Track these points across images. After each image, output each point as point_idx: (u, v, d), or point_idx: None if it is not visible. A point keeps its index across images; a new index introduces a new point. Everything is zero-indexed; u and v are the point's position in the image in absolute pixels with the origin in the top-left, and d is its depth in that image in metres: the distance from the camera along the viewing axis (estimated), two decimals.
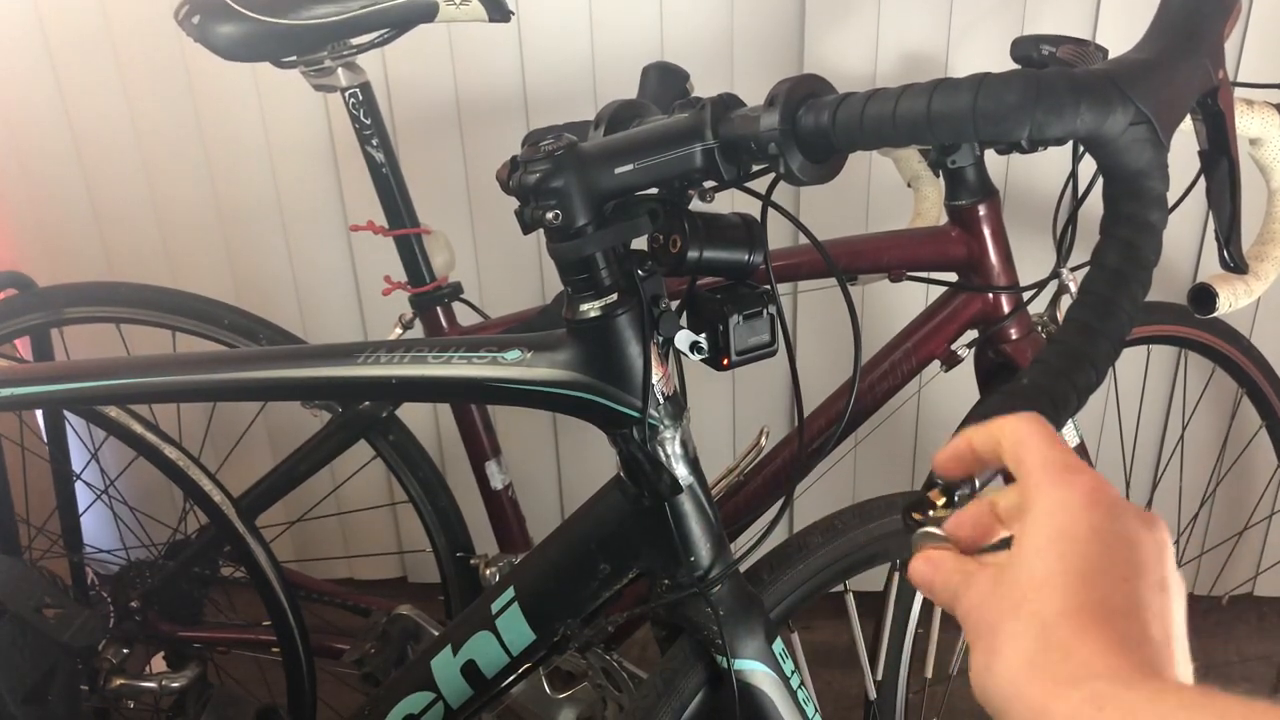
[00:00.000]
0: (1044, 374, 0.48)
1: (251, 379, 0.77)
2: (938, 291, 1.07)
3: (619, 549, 0.77)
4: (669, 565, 0.75)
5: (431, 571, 1.29)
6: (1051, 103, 0.46)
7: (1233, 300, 0.95)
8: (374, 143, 1.13)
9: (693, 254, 0.66)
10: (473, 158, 1.54)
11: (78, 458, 1.31)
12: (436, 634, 1.09)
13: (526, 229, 0.64)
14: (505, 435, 1.33)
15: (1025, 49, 0.97)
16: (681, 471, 0.72)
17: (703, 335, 0.70)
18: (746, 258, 0.68)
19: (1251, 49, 1.38)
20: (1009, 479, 0.40)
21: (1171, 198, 0.50)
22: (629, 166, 0.61)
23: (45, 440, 1.26)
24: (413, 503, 1.27)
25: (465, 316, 1.21)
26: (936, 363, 1.06)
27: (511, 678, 0.84)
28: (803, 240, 0.73)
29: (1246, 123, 0.94)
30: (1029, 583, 0.35)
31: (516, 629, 0.80)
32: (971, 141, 0.96)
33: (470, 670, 0.82)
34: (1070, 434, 1.07)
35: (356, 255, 1.62)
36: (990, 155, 1.02)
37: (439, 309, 1.17)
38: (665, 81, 0.88)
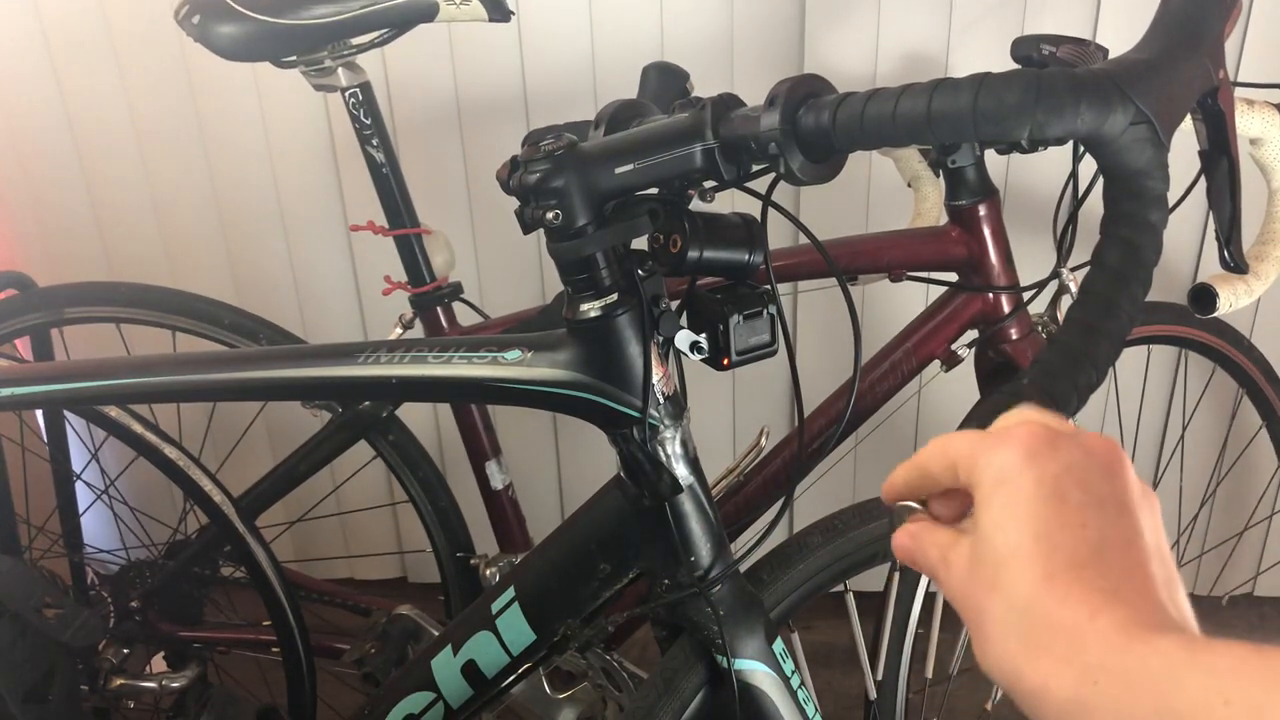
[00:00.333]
0: (1044, 374, 0.48)
1: (251, 379, 0.77)
2: (938, 291, 1.07)
3: (619, 549, 0.77)
4: (669, 565, 0.75)
5: (431, 571, 1.29)
6: (1052, 102, 0.46)
7: (1233, 300, 0.95)
8: (374, 143, 1.13)
9: (693, 254, 0.66)
10: (473, 158, 1.54)
11: (78, 458, 1.31)
12: (436, 634, 1.09)
13: (527, 229, 0.64)
14: (505, 435, 1.33)
15: (1025, 49, 0.97)
16: (681, 471, 0.72)
17: (703, 335, 0.70)
18: (747, 258, 0.68)
19: (1251, 49, 1.38)
20: None
21: (1172, 198, 0.50)
22: (629, 166, 0.61)
23: (45, 440, 1.26)
24: (413, 503, 1.27)
25: (465, 316, 1.21)
26: (937, 363, 1.06)
27: (512, 678, 0.84)
28: (803, 240, 0.74)
29: (1247, 122, 0.94)
30: (995, 561, 0.35)
31: (517, 629, 0.80)
32: (972, 141, 0.96)
33: (470, 670, 0.82)
34: None
35: (357, 255, 1.62)
36: (990, 155, 1.02)
37: (439, 309, 1.17)
38: (665, 81, 0.88)
